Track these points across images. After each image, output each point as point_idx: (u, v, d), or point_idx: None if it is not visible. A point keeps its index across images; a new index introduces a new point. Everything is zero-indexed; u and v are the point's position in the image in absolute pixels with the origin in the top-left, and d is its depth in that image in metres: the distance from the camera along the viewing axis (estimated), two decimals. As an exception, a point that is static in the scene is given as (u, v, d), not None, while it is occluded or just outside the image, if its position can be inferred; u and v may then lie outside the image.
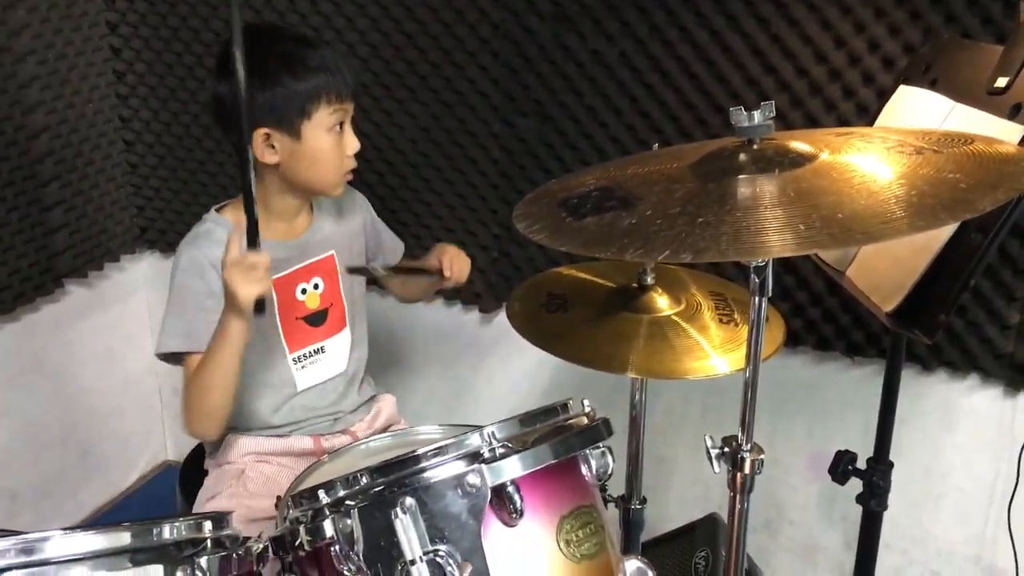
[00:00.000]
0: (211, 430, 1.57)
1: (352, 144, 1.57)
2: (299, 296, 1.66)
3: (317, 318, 1.69)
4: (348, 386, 1.74)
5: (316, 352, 1.69)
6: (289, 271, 1.64)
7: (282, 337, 1.65)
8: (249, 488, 1.61)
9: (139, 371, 2.59)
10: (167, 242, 2.48)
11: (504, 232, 2.10)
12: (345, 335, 1.73)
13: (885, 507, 1.64)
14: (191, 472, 1.79)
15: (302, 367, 1.68)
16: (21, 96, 2.07)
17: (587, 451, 1.16)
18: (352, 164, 1.59)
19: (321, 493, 1.10)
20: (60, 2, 2.14)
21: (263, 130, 1.51)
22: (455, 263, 1.70)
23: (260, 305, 1.42)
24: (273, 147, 1.53)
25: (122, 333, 2.53)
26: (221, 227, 1.59)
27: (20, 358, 2.27)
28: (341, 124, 1.56)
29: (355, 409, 1.75)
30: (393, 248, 1.85)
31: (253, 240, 1.41)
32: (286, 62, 1.51)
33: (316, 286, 1.68)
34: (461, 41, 1.99)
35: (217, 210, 1.64)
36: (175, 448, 2.72)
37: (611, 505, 1.69)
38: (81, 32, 2.21)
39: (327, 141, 1.54)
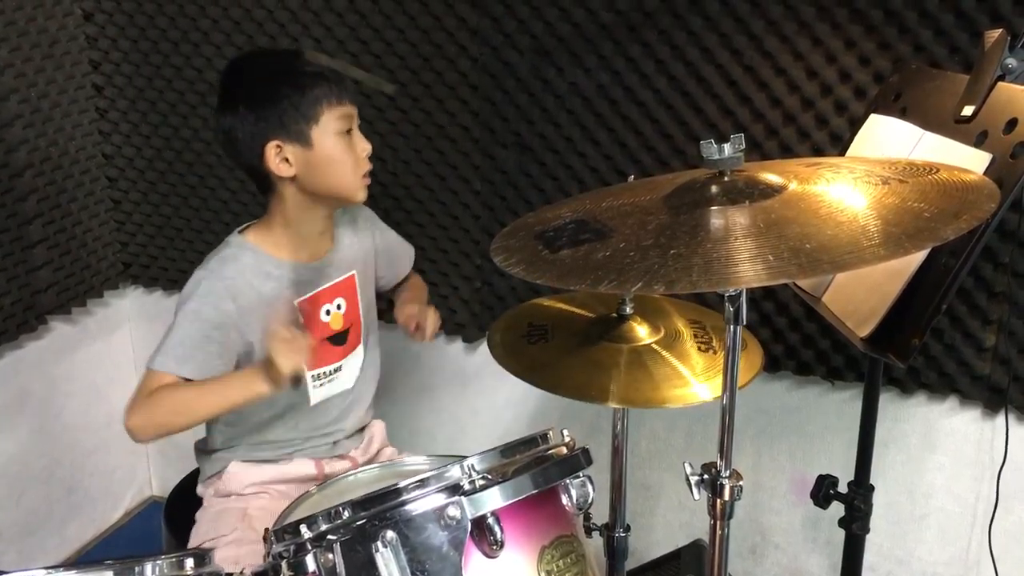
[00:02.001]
0: (150, 438, 1.57)
1: (363, 146, 1.60)
2: (324, 317, 1.68)
3: (340, 338, 1.71)
4: (352, 405, 1.75)
5: (335, 371, 1.71)
6: (314, 292, 1.65)
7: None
8: (257, 528, 1.59)
9: (123, 406, 2.57)
10: (151, 277, 2.49)
11: (486, 262, 2.12)
12: (359, 353, 1.75)
13: (867, 530, 1.65)
14: (177, 506, 1.79)
15: (320, 384, 1.70)
16: (4, 134, 2.09)
17: (567, 481, 1.17)
18: (368, 166, 1.61)
19: (303, 528, 1.10)
20: (42, 41, 2.16)
21: (274, 143, 1.54)
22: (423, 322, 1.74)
23: (296, 379, 1.45)
24: (287, 160, 1.55)
25: (106, 369, 2.53)
26: (245, 251, 1.60)
27: (3, 395, 2.26)
28: (349, 129, 1.58)
29: (352, 434, 1.76)
30: (404, 253, 1.88)
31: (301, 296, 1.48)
32: (285, 75, 1.55)
33: (339, 306, 1.70)
34: (441, 75, 2.01)
35: (240, 232, 1.65)
36: (160, 483, 2.71)
37: (595, 533, 1.70)
38: (64, 70, 2.23)
39: (339, 145, 1.57)
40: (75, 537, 2.50)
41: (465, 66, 1.99)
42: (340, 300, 1.70)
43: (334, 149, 1.56)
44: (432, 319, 1.75)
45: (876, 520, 1.68)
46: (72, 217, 2.30)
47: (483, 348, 2.24)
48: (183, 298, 1.58)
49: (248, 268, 1.59)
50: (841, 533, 1.68)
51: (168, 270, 2.46)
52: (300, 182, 1.58)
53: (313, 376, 1.67)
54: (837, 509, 1.67)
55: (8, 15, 2.06)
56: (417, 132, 2.07)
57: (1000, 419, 1.83)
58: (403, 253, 1.89)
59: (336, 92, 1.56)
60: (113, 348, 2.54)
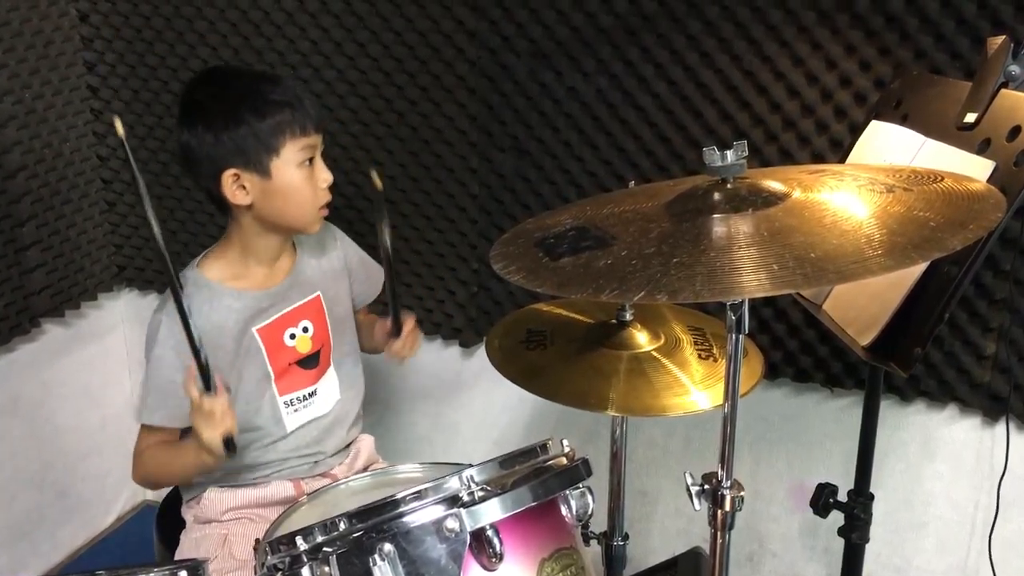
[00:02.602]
0: (157, 488, 1.63)
1: (324, 176, 1.56)
2: (288, 342, 1.64)
3: (310, 361, 1.68)
4: (332, 427, 1.72)
5: (309, 396, 1.68)
6: (273, 319, 1.62)
7: (273, 383, 1.63)
8: (236, 555, 1.58)
9: (116, 409, 2.56)
10: (145, 280, 2.47)
11: (483, 267, 2.11)
12: (331, 375, 1.71)
13: (867, 540, 1.64)
14: (168, 516, 1.77)
15: (294, 410, 1.67)
16: (-2, 136, 2.07)
17: (567, 492, 1.15)
18: (327, 197, 1.58)
19: (299, 539, 1.09)
20: (37, 42, 2.14)
21: (231, 171, 1.50)
22: (409, 339, 1.70)
23: (229, 444, 1.43)
24: (244, 188, 1.52)
25: (99, 372, 2.51)
26: (201, 290, 1.57)
27: (-4, 398, 2.25)
28: (311, 159, 1.54)
29: (335, 452, 1.73)
30: (374, 275, 1.82)
31: (206, 384, 1.41)
32: (248, 100, 1.50)
33: (306, 329, 1.66)
34: (438, 78, 2.00)
35: (198, 264, 1.62)
36: (154, 488, 2.70)
37: (593, 542, 1.69)
38: (59, 71, 2.21)
39: (298, 176, 1.53)
40: (67, 542, 2.47)
41: (463, 69, 1.97)
42: (306, 323, 1.66)
43: (293, 180, 1.52)
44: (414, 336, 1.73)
45: (874, 528, 1.66)
46: (66, 219, 2.28)
47: (479, 353, 2.23)
48: (148, 344, 1.57)
49: (206, 305, 1.55)
50: (839, 541, 1.67)
51: (162, 273, 2.43)
52: (256, 211, 1.54)
53: (286, 402, 1.65)
54: (835, 517, 1.66)
55: (2, 16, 2.04)
56: (414, 135, 2.06)
57: (999, 427, 1.82)
58: (375, 272, 1.83)
59: (300, 122, 1.51)
60: (106, 351, 2.52)
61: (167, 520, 1.76)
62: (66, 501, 2.45)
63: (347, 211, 2.13)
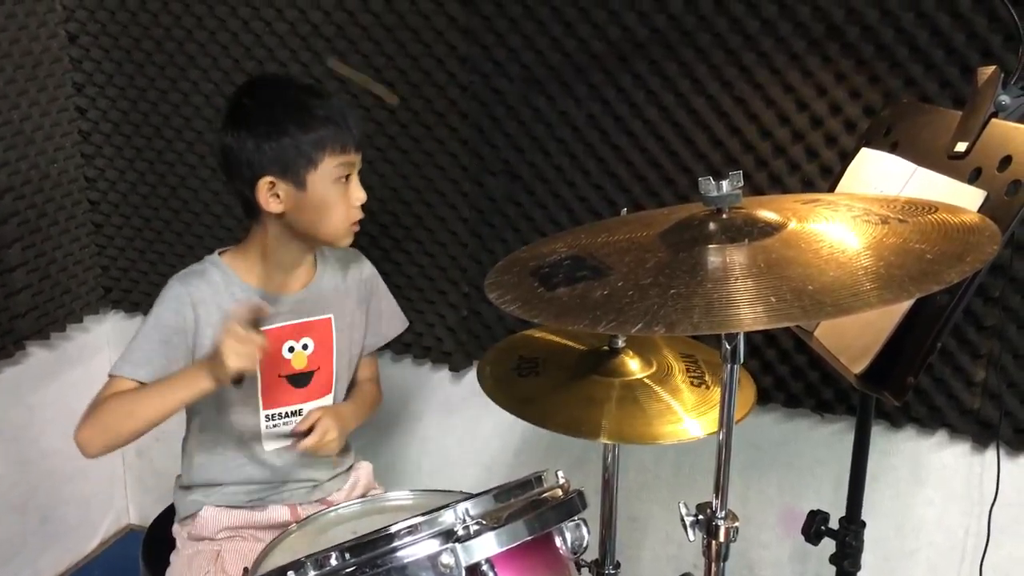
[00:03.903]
0: (98, 450, 1.53)
1: (358, 195, 1.58)
2: (285, 354, 1.64)
3: (301, 379, 1.67)
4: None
5: (293, 414, 1.66)
6: (277, 326, 1.61)
7: (259, 391, 1.62)
8: (228, 571, 1.57)
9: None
10: (131, 302, 2.45)
11: (474, 290, 2.10)
12: (327, 402, 1.70)
13: (859, 567, 1.64)
14: (156, 540, 1.75)
15: (273, 426, 1.65)
16: (-16, 157, 2.06)
17: (562, 524, 1.15)
18: (359, 215, 1.59)
19: (291, 574, 1.07)
20: (26, 63, 2.13)
21: (268, 178, 1.51)
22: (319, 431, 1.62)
23: (239, 379, 1.42)
24: (277, 196, 1.53)
25: (84, 394, 2.43)
26: (217, 269, 1.60)
27: (-21, 422, 2.22)
28: (347, 176, 1.56)
29: (332, 478, 1.72)
30: (396, 320, 1.84)
31: (260, 322, 1.43)
32: (294, 112, 1.52)
33: (305, 346, 1.66)
34: (430, 102, 2.00)
35: (220, 253, 1.65)
36: (138, 512, 2.66)
37: (584, 570, 1.68)
38: (47, 92, 2.19)
39: (333, 192, 1.54)
40: (50, 567, 2.44)
41: (455, 94, 1.97)
42: (307, 340, 1.66)
43: (327, 195, 1.54)
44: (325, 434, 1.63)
45: (865, 555, 1.66)
46: (52, 240, 2.26)
47: (469, 377, 2.22)
48: (153, 305, 1.58)
49: (216, 284, 1.59)
50: (830, 568, 1.66)
51: (150, 295, 2.41)
52: (286, 219, 1.56)
53: (267, 416, 1.64)
54: (826, 543, 1.66)
55: (-9, 37, 2.03)
56: (405, 159, 2.06)
57: (989, 454, 1.82)
58: (395, 318, 1.85)
59: (342, 139, 1.53)
60: (92, 374, 2.49)
61: (154, 543, 1.74)
62: (48, 526, 2.42)
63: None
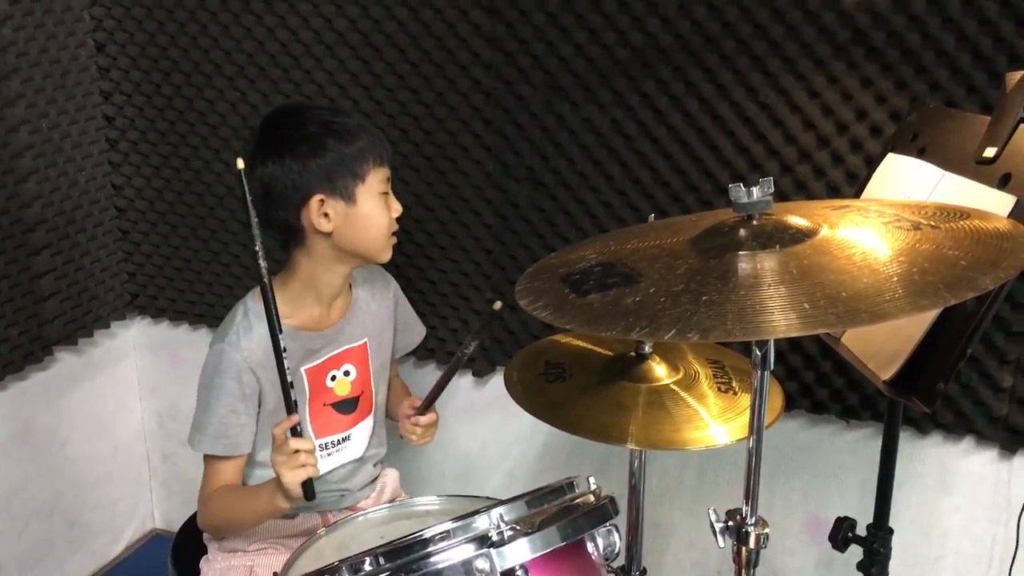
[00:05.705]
0: (217, 536, 1.63)
1: (396, 207, 1.60)
2: (328, 383, 1.65)
3: (347, 406, 1.68)
4: (359, 467, 1.73)
5: (343, 440, 1.68)
6: (322, 360, 1.63)
7: (309, 425, 1.63)
8: None
9: (128, 438, 2.56)
10: (158, 308, 2.47)
11: (498, 296, 2.11)
12: (368, 422, 1.72)
13: (886, 575, 1.63)
14: (186, 544, 1.76)
15: (327, 454, 1.66)
16: (14, 165, 2.07)
17: (594, 530, 1.15)
18: (395, 227, 1.60)
19: (326, 578, 1.08)
20: (55, 72, 2.15)
21: (318, 196, 1.52)
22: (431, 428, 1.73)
23: (309, 490, 1.41)
24: (326, 215, 1.53)
25: (111, 400, 2.51)
26: (262, 322, 1.50)
27: (7, 427, 2.23)
28: (385, 192, 1.58)
29: (362, 487, 1.73)
30: (416, 328, 1.87)
31: (288, 408, 1.43)
32: (331, 128, 1.53)
33: (347, 373, 1.67)
34: (454, 109, 2.01)
35: (255, 296, 1.59)
36: (163, 517, 2.68)
37: (611, 576, 1.68)
38: (75, 101, 2.22)
39: (378, 205, 1.56)
40: (76, 572, 2.46)
41: (478, 100, 1.98)
42: (349, 367, 1.67)
43: (374, 208, 1.55)
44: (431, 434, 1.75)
45: (891, 562, 1.65)
46: (80, 247, 2.28)
47: (493, 382, 2.23)
48: (207, 372, 1.57)
49: (265, 338, 1.52)
50: (856, 575, 1.66)
51: (176, 301, 2.44)
52: (335, 238, 1.55)
53: (320, 445, 1.64)
54: (852, 550, 1.65)
55: (20, 46, 2.05)
56: (429, 166, 2.07)
57: (1017, 460, 1.81)
58: (415, 327, 1.88)
59: (378, 150, 1.56)
60: (118, 380, 2.52)
61: (184, 549, 1.75)
62: (75, 531, 2.44)
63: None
